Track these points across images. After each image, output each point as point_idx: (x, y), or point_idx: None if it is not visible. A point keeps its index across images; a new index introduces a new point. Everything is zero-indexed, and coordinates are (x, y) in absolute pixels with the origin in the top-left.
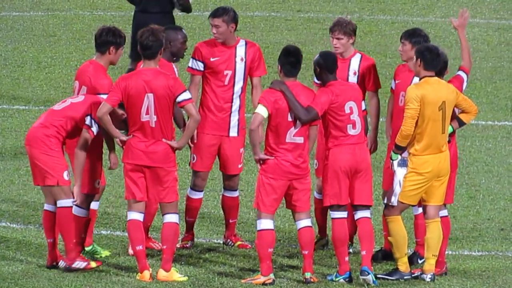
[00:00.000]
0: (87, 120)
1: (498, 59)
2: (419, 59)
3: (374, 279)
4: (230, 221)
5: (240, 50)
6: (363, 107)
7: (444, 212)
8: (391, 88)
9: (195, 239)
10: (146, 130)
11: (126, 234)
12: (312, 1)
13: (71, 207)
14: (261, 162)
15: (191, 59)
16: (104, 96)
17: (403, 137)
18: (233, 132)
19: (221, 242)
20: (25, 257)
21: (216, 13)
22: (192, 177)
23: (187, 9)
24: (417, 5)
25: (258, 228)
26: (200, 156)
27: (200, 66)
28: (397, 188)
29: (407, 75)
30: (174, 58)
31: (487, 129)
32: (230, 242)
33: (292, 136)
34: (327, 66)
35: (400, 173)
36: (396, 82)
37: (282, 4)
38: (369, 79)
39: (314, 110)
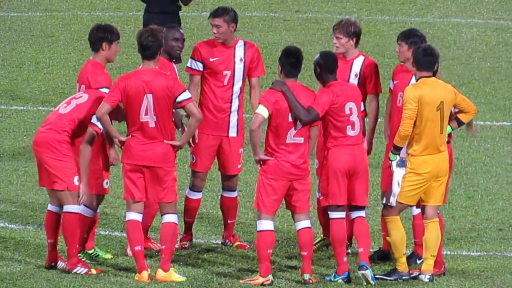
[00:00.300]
0: (93, 118)
1: (496, 59)
2: (415, 61)
3: (373, 275)
4: (229, 221)
5: (239, 51)
6: (362, 108)
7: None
8: (389, 88)
9: (194, 240)
10: (146, 130)
11: (125, 234)
12: (310, 2)
13: (78, 213)
14: (261, 162)
15: (190, 59)
16: (105, 90)
17: (401, 137)
18: (233, 132)
19: (220, 242)
20: (24, 258)
21: (217, 13)
22: (191, 177)
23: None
24: (415, 5)
25: (258, 229)
26: (199, 156)
27: (199, 66)
28: (395, 189)
29: (405, 75)
30: (173, 59)
31: (485, 129)
32: (229, 242)
33: (293, 136)
34: (327, 66)
35: (398, 173)
36: (394, 82)
37: (280, 4)
38: (369, 82)
39: (315, 111)
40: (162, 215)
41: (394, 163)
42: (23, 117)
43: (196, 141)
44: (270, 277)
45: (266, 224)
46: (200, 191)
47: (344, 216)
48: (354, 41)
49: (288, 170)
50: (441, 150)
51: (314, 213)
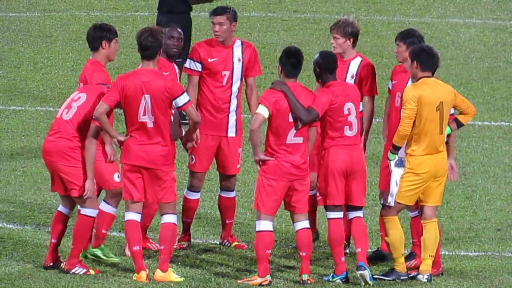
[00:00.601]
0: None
1: (494, 59)
2: (415, 61)
3: (371, 275)
4: (227, 221)
5: (237, 51)
6: (361, 109)
7: None
8: (388, 88)
9: (192, 240)
10: (144, 130)
11: (123, 234)
12: (308, 2)
13: (94, 217)
14: (260, 163)
15: (188, 60)
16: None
17: (400, 137)
18: (231, 133)
19: (218, 242)
20: (22, 258)
21: (219, 11)
22: (189, 177)
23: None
24: (413, 5)
25: (257, 229)
26: (198, 157)
27: (198, 66)
28: (394, 189)
29: (403, 75)
30: (170, 58)
31: (484, 129)
32: (227, 242)
33: (293, 137)
34: (327, 65)
35: (397, 173)
36: (393, 82)
37: (278, 4)
38: (365, 84)
39: (315, 110)
40: (161, 215)
41: (392, 163)
42: (21, 117)
43: (199, 141)
44: (268, 277)
45: (265, 225)
46: (198, 191)
47: (341, 216)
48: (352, 41)
49: (288, 171)
50: (440, 150)
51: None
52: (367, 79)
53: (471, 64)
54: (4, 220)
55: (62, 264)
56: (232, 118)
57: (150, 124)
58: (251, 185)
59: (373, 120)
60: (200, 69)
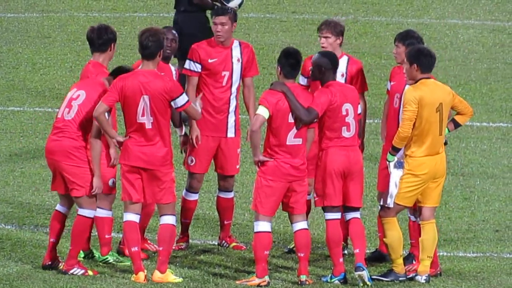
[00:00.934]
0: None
1: (492, 60)
2: (414, 64)
3: (369, 276)
4: (225, 222)
5: (236, 51)
6: (359, 111)
7: None
8: (387, 89)
9: (190, 241)
10: (143, 131)
11: (121, 235)
12: (307, 3)
13: (92, 218)
14: (259, 164)
15: (187, 61)
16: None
17: (401, 139)
18: (231, 133)
19: (216, 243)
20: (20, 259)
21: (221, 11)
22: (188, 179)
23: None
24: (412, 6)
25: (255, 230)
26: (199, 158)
27: (197, 67)
28: (393, 190)
29: (402, 76)
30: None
31: (482, 130)
32: (225, 243)
33: (293, 138)
34: (333, 65)
35: (396, 174)
36: (391, 83)
37: (277, 5)
38: (356, 81)
39: (315, 110)
40: (159, 217)
41: (391, 164)
42: (19, 118)
43: (199, 142)
44: (267, 278)
45: (263, 226)
46: (197, 193)
47: (339, 217)
48: (341, 40)
49: (287, 172)
50: (439, 152)
51: (310, 214)
52: (357, 77)
53: (469, 65)
54: (3, 221)
55: (60, 264)
56: (232, 119)
57: (148, 125)
58: (249, 186)
59: (372, 120)
60: (199, 70)
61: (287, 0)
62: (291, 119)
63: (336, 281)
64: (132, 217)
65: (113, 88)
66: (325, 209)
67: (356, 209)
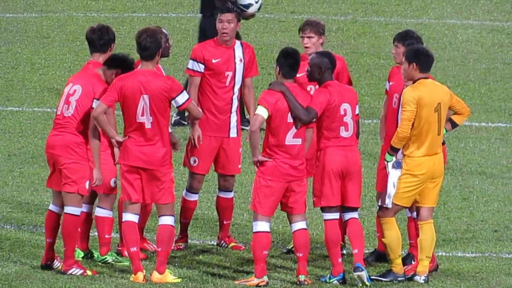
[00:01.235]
0: (94, 103)
1: (491, 60)
2: (414, 63)
3: (368, 276)
4: (224, 222)
5: (238, 51)
6: (357, 112)
7: None
8: (386, 89)
9: (189, 241)
10: (142, 131)
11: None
12: (305, 3)
13: (79, 215)
14: (258, 164)
15: (190, 61)
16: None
17: (400, 139)
18: (233, 133)
19: (215, 243)
20: (19, 259)
21: (226, 9)
22: (189, 179)
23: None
24: (410, 6)
25: (254, 230)
26: (201, 158)
27: (201, 67)
28: (391, 190)
29: (401, 77)
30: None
31: (481, 130)
32: (224, 243)
33: (292, 138)
34: (333, 64)
35: (394, 174)
36: (390, 83)
37: (275, 5)
38: (342, 77)
39: (314, 110)
40: (158, 217)
41: (389, 164)
42: (18, 118)
43: (201, 142)
44: (265, 278)
45: (262, 226)
46: (197, 193)
47: (337, 217)
48: (323, 39)
49: (286, 172)
50: (437, 152)
51: (309, 214)
52: (342, 73)
53: (468, 65)
54: (1, 221)
55: (59, 264)
56: (234, 119)
57: (148, 125)
58: (248, 186)
59: (371, 120)
60: (202, 70)
61: (286, 0)
62: (290, 119)
63: (335, 281)
64: (131, 217)
65: (112, 88)
66: (324, 209)
67: (354, 209)
